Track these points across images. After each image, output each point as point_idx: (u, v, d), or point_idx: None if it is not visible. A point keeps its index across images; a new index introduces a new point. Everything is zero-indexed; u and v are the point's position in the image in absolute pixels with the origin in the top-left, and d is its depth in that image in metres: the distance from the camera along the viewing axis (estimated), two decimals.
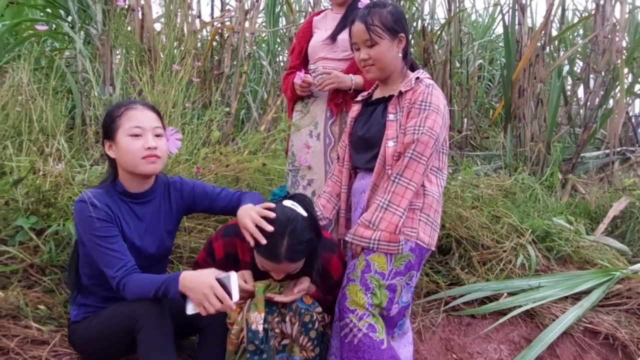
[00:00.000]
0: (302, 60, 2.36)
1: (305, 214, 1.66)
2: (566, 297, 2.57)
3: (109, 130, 1.68)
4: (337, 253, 1.84)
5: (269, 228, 1.59)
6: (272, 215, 1.62)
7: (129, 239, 1.68)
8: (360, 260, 1.76)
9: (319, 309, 1.74)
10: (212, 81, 4.04)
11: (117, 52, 3.74)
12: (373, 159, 1.84)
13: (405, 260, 1.75)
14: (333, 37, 2.24)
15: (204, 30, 4.50)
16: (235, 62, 3.96)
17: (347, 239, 1.79)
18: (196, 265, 1.89)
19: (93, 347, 1.71)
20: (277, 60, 5.35)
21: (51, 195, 2.16)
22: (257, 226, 1.61)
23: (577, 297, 2.59)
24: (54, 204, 2.16)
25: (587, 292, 2.60)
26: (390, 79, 1.90)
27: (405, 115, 1.80)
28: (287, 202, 1.68)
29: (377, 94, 1.97)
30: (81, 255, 1.72)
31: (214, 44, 4.33)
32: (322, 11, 2.44)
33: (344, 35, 2.22)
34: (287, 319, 1.69)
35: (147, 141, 1.65)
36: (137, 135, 1.65)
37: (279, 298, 1.69)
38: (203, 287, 1.49)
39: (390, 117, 1.83)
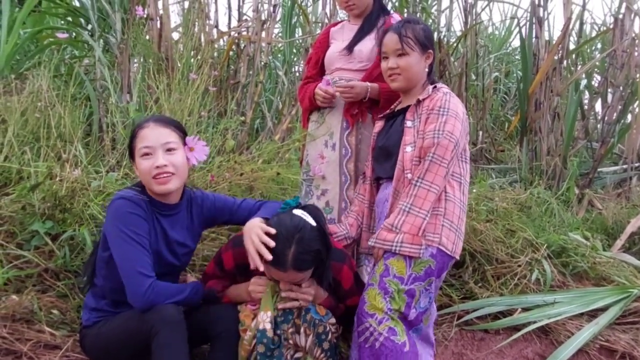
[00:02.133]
0: (318, 71, 2.37)
1: (314, 223, 1.66)
2: (582, 314, 2.52)
3: (130, 151, 1.76)
4: (348, 263, 1.83)
5: (272, 244, 1.60)
6: (273, 231, 1.63)
7: (154, 247, 1.71)
8: (380, 265, 1.76)
9: (333, 320, 1.73)
10: (228, 90, 4.07)
11: (135, 60, 3.79)
12: (394, 167, 1.87)
13: (425, 265, 1.75)
14: (350, 48, 2.24)
15: (221, 40, 4.55)
16: (251, 72, 3.99)
17: (370, 243, 1.80)
18: (205, 277, 1.90)
19: (104, 352, 1.72)
20: (293, 70, 5.38)
21: (67, 200, 2.19)
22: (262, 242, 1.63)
23: (593, 315, 2.54)
24: (69, 210, 2.18)
25: (603, 309, 2.55)
26: (412, 91, 1.97)
27: (424, 122, 1.84)
28: (298, 211, 1.69)
29: (398, 108, 2.03)
30: (102, 254, 1.73)
31: (231, 53, 4.36)
32: (340, 22, 2.45)
33: (360, 47, 2.23)
34: (302, 330, 1.68)
35: (156, 160, 1.68)
36: (147, 155, 1.70)
37: (284, 294, 1.69)
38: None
39: (408, 123, 1.88)
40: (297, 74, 5.36)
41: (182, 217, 1.82)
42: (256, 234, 1.65)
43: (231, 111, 3.38)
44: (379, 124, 2.06)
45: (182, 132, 1.78)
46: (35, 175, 2.31)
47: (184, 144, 1.77)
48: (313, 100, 2.28)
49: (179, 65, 3.37)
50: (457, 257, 1.84)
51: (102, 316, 1.75)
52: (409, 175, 1.79)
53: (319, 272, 1.70)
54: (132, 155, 1.76)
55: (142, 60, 3.83)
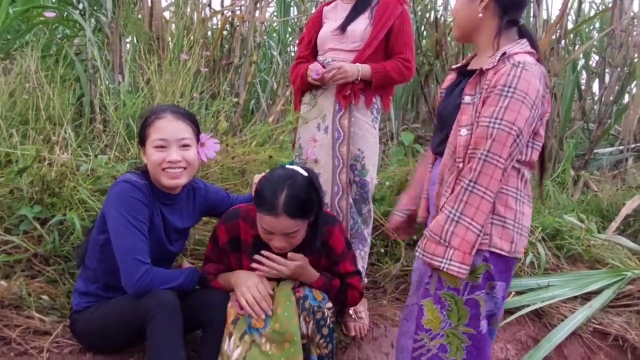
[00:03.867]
0: (311, 51, 2.31)
1: (306, 174, 1.69)
2: (575, 297, 2.53)
3: (140, 137, 1.74)
4: (338, 226, 1.84)
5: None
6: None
7: (156, 234, 1.71)
8: (434, 276, 1.57)
9: (329, 305, 1.72)
10: (221, 71, 4.00)
11: (127, 40, 3.72)
12: (442, 143, 1.60)
13: (480, 272, 1.51)
14: (343, 28, 2.18)
15: (214, 19, 4.46)
16: (245, 52, 3.93)
17: (417, 254, 1.56)
18: (206, 260, 1.88)
19: (97, 336, 1.72)
20: (288, 50, 5.31)
21: (56, 184, 2.15)
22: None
23: (586, 297, 2.55)
24: (58, 194, 2.14)
25: (597, 292, 2.56)
26: (479, 47, 1.61)
27: (482, 100, 1.49)
28: (291, 166, 1.74)
29: (472, 64, 1.65)
30: (97, 236, 1.71)
31: (224, 33, 4.28)
32: (333, 1, 2.39)
33: (353, 26, 2.18)
34: (302, 318, 1.68)
35: (170, 154, 1.67)
36: (161, 147, 1.67)
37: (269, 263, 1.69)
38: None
39: (467, 99, 1.53)
40: (292, 54, 5.28)
41: (183, 205, 1.82)
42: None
43: (224, 92, 3.32)
44: (450, 77, 1.70)
45: (197, 128, 1.78)
46: (23, 159, 2.27)
47: (197, 139, 1.76)
48: (305, 81, 2.23)
49: (171, 45, 3.32)
50: (520, 256, 1.58)
51: (93, 301, 1.74)
52: (461, 165, 1.50)
53: (311, 230, 1.72)
54: (142, 142, 1.73)
55: (133, 40, 3.77)
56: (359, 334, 2.13)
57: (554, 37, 4.13)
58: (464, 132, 1.50)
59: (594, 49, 5.33)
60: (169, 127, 1.68)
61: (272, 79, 4.88)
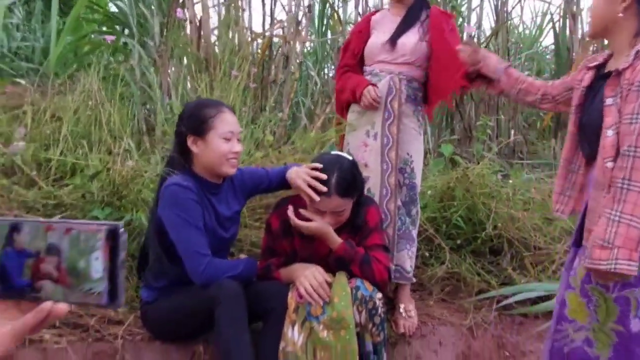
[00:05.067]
0: (358, 61, 2.37)
1: (350, 157, 1.92)
2: None
3: (199, 128, 1.80)
4: (375, 205, 2.03)
5: (323, 189, 1.81)
6: (320, 166, 1.86)
7: (209, 225, 1.82)
8: (581, 268, 1.58)
9: (380, 295, 1.81)
10: (265, 88, 4.19)
11: (174, 62, 3.95)
12: (594, 149, 1.60)
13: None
14: (393, 41, 2.25)
15: (254, 42, 4.69)
16: (286, 70, 4.11)
17: (586, 265, 1.52)
18: (264, 251, 2.01)
19: (166, 326, 1.84)
20: (325, 72, 5.49)
21: (123, 188, 2.32)
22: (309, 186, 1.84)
23: None
24: (125, 197, 2.31)
25: None
26: (615, 47, 1.62)
27: (624, 100, 1.50)
28: (334, 152, 2.01)
29: (610, 65, 1.65)
30: (158, 237, 1.84)
31: (267, 52, 4.49)
32: (378, 11, 2.47)
33: (404, 40, 2.24)
34: (355, 308, 1.77)
35: (234, 146, 1.81)
36: (229, 139, 1.80)
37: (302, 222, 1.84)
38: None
39: (608, 100, 1.55)
40: (327, 76, 5.45)
41: (227, 193, 1.94)
42: (304, 171, 1.87)
43: (270, 108, 3.49)
44: (588, 76, 1.69)
45: None
46: (89, 168, 2.46)
47: None
48: (356, 96, 2.27)
49: (220, 63, 3.52)
50: None
51: (162, 294, 1.87)
52: (609, 164, 1.51)
53: (355, 208, 1.89)
54: (200, 132, 1.79)
55: (180, 61, 3.99)
56: (408, 331, 2.20)
57: (590, 52, 4.19)
58: (610, 133, 1.52)
59: None
60: (233, 121, 1.83)
61: (309, 99, 5.05)
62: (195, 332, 1.87)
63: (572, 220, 2.84)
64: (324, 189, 1.81)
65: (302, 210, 1.87)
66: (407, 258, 2.24)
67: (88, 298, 0.59)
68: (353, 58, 2.37)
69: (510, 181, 3.04)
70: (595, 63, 1.70)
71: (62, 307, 0.59)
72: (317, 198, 1.81)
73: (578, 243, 1.66)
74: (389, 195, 2.25)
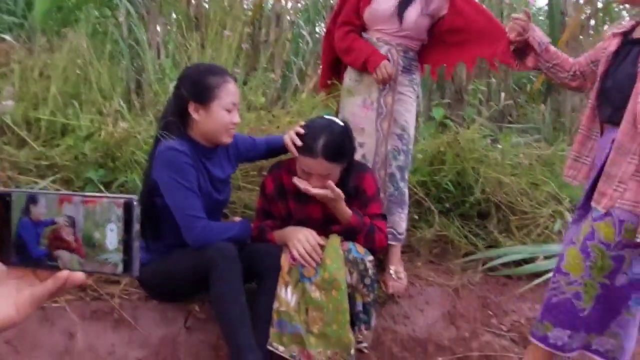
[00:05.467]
0: (362, 22, 2.29)
1: (342, 123, 1.90)
2: None
3: (202, 96, 1.79)
4: (370, 172, 2.03)
5: (299, 143, 1.86)
6: (302, 131, 1.89)
7: (204, 189, 1.84)
8: (586, 226, 1.65)
9: (371, 257, 1.87)
10: (256, 49, 4.13)
11: (164, 20, 3.87)
12: (616, 112, 1.63)
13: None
14: (400, 14, 2.19)
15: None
16: (278, 29, 4.05)
17: (617, 205, 1.58)
18: (259, 212, 2.04)
19: (162, 286, 1.89)
20: (316, 31, 5.40)
21: (117, 149, 2.33)
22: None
23: None
24: (119, 158, 2.32)
25: None
26: None
27: None
28: (328, 116, 1.97)
29: (637, 32, 1.70)
30: (152, 199, 1.84)
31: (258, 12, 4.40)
32: None
33: (410, 13, 2.19)
34: (346, 270, 1.83)
35: (234, 117, 1.83)
36: (230, 110, 1.81)
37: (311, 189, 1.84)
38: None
39: None
40: (319, 35, 5.37)
41: (221, 157, 1.96)
42: (289, 132, 1.91)
43: (262, 69, 3.46)
44: (615, 42, 1.72)
45: None
46: (80, 129, 2.44)
47: None
48: (366, 65, 2.22)
49: (212, 22, 3.45)
50: None
51: (157, 255, 1.90)
52: None
53: (344, 174, 1.89)
54: (203, 100, 1.79)
55: (169, 18, 3.91)
56: (397, 292, 2.28)
57: (583, 16, 4.17)
58: None
59: None
60: (236, 91, 1.83)
61: (301, 59, 4.99)
62: (191, 292, 1.92)
63: (558, 186, 2.91)
64: (299, 142, 1.84)
65: (295, 179, 1.88)
66: (400, 221, 2.29)
67: (104, 267, 0.62)
68: (358, 18, 2.29)
69: (500, 146, 3.08)
70: (622, 30, 1.73)
71: (79, 275, 0.62)
72: (295, 152, 1.85)
73: (585, 206, 1.73)
74: (379, 163, 2.28)
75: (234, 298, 1.73)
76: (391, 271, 2.29)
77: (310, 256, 1.81)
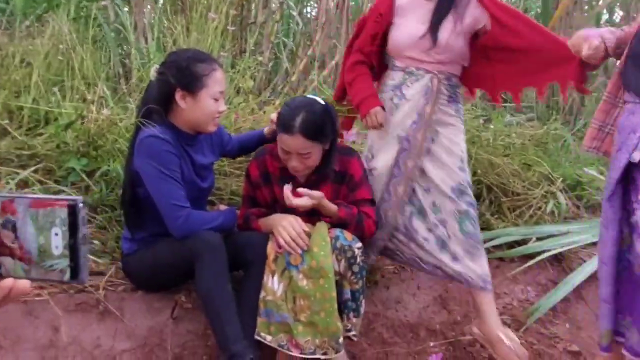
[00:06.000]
0: (378, 48, 2.04)
1: (323, 102, 1.87)
2: (594, 243, 2.60)
3: (191, 84, 1.75)
4: (357, 156, 1.98)
5: (273, 118, 1.90)
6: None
7: (187, 177, 1.81)
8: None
9: (359, 244, 1.84)
10: (243, 31, 4.05)
11: (149, 4, 3.78)
12: None
13: None
14: (434, 37, 1.92)
15: None
16: (266, 9, 3.97)
17: None
18: (245, 200, 2.01)
19: (147, 277, 1.86)
20: (307, 10, 5.30)
21: (99, 138, 2.28)
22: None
23: None
24: (101, 147, 2.27)
25: None
26: None
27: None
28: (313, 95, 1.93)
29: None
30: (135, 189, 1.82)
31: None
32: None
33: (444, 33, 1.93)
34: (334, 257, 1.80)
35: (220, 106, 1.80)
36: (217, 99, 1.77)
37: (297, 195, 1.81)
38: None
39: None
40: (310, 15, 5.27)
41: (203, 143, 1.92)
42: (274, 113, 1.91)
43: (250, 51, 3.39)
44: None
45: None
46: (62, 116, 2.39)
47: None
48: (359, 110, 2.05)
49: (196, 4, 3.37)
50: None
51: (142, 245, 1.87)
52: None
53: (326, 157, 1.86)
54: (191, 88, 1.75)
55: (155, 1, 3.82)
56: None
57: None
58: None
59: (617, 3, 5.25)
60: (223, 79, 1.80)
61: (292, 40, 4.90)
62: (177, 282, 1.90)
63: (551, 166, 2.88)
64: (274, 117, 1.86)
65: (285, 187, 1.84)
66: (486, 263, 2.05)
67: (50, 274, 0.58)
68: (371, 44, 2.04)
69: (492, 126, 3.04)
70: None
71: (24, 283, 0.58)
72: (272, 126, 1.87)
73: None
74: (390, 201, 2.06)
75: (220, 288, 1.71)
76: (501, 335, 1.90)
77: (296, 242, 1.78)
